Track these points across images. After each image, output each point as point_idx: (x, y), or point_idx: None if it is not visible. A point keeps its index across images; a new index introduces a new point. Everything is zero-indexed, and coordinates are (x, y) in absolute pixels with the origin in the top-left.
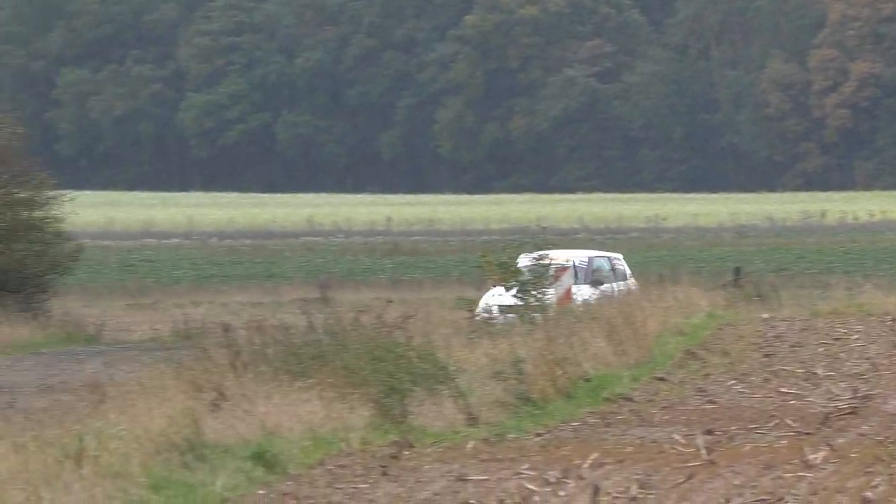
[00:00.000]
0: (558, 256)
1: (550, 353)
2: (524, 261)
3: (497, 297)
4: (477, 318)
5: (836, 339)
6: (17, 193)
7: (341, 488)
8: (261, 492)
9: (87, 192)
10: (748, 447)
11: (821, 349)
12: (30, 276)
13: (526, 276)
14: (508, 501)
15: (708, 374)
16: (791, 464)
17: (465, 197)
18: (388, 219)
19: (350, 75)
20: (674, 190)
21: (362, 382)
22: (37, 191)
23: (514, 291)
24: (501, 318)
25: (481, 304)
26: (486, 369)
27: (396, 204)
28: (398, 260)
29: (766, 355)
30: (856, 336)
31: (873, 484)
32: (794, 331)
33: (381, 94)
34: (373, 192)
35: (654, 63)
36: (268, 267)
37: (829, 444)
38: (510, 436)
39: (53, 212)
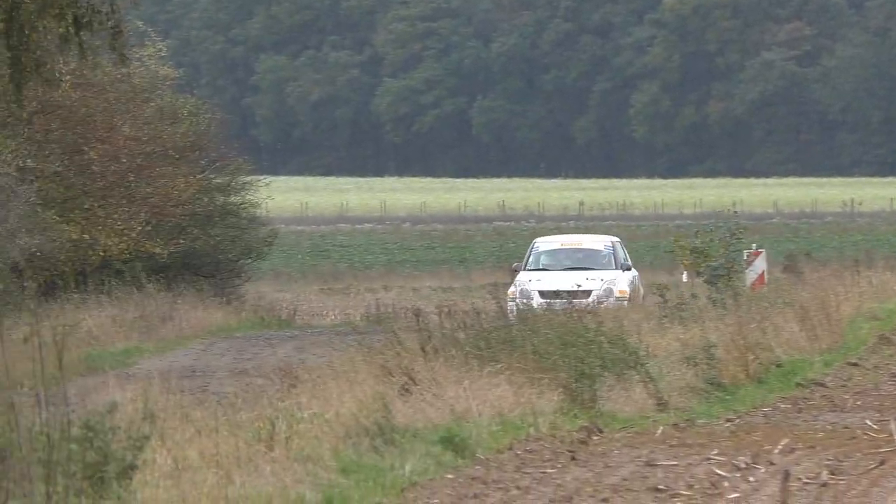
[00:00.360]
0: (576, 242)
1: (742, 337)
2: (543, 245)
3: (536, 283)
4: (512, 303)
5: None
6: (214, 179)
7: (529, 473)
8: (449, 476)
9: (283, 178)
10: None
11: None
12: (225, 261)
13: (719, 262)
14: (697, 487)
15: None
16: None
17: (658, 181)
18: (581, 203)
19: (545, 60)
20: (871, 174)
21: (552, 367)
22: (233, 176)
23: (557, 276)
24: (543, 303)
25: (517, 288)
26: (676, 354)
27: (589, 188)
28: None
29: None
30: None
31: None
32: None
33: (576, 78)
34: (566, 176)
35: (853, 46)
36: (459, 252)
37: None
38: (700, 421)
39: (249, 197)
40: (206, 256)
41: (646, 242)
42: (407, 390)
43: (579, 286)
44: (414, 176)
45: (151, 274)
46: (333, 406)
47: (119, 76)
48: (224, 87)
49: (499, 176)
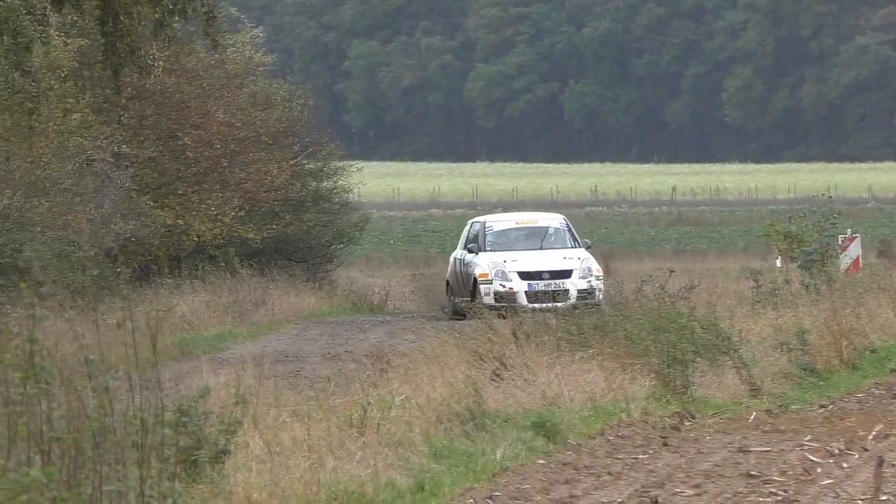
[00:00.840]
0: (531, 219)
1: (836, 323)
2: (496, 224)
3: (513, 263)
4: (486, 286)
5: None
6: (306, 164)
7: (621, 458)
8: (540, 461)
9: (375, 163)
10: None
11: None
12: (317, 246)
13: (813, 247)
14: (790, 473)
15: None
16: None
17: (751, 166)
18: (673, 188)
19: (638, 44)
20: None
21: (644, 353)
22: (326, 162)
23: (532, 255)
24: (524, 285)
25: (490, 267)
26: (769, 340)
27: (682, 173)
28: (682, 230)
29: None
30: None
31: None
32: None
33: (668, 62)
34: (658, 161)
35: None
36: None
37: None
38: (793, 407)
39: (341, 182)
40: (298, 242)
41: (739, 227)
42: (498, 375)
43: (565, 260)
44: (506, 161)
45: (244, 259)
46: (425, 391)
47: (213, 62)
48: (317, 72)
49: (590, 161)
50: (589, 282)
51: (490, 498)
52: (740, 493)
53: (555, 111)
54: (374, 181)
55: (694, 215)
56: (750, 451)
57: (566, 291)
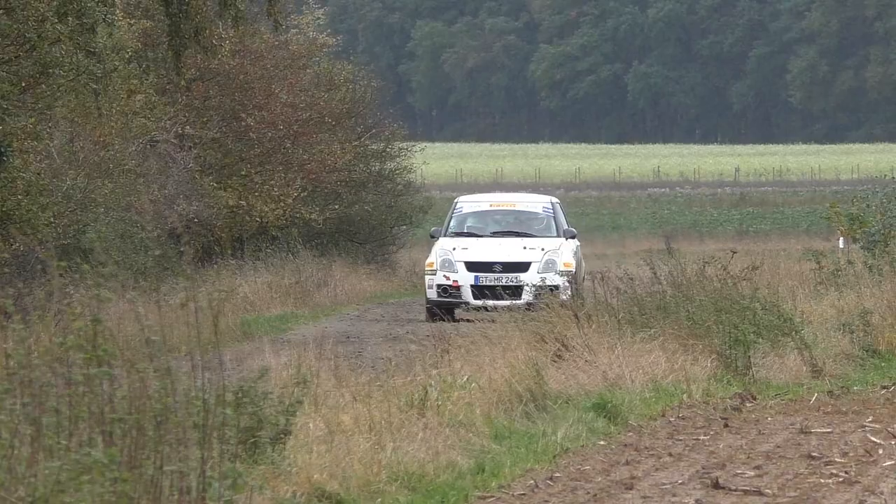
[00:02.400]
0: (508, 201)
1: None
2: (467, 205)
3: (462, 252)
4: (431, 277)
5: None
6: (369, 145)
7: (682, 440)
8: (601, 442)
9: (438, 144)
10: None
11: None
12: (379, 228)
13: (876, 228)
14: (852, 454)
15: None
16: None
17: (815, 147)
18: (737, 169)
19: (702, 25)
20: None
21: (705, 334)
22: (388, 143)
23: (487, 244)
24: (470, 278)
25: (437, 258)
26: (831, 321)
27: (745, 154)
28: (745, 211)
29: None
30: None
31: None
32: None
33: (732, 43)
34: (721, 142)
35: None
36: (613, 218)
37: None
38: (855, 388)
39: (404, 163)
40: (360, 223)
41: (802, 208)
42: (559, 357)
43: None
44: (569, 142)
45: (306, 240)
46: (486, 372)
47: (277, 43)
48: (381, 53)
49: (654, 142)
50: (546, 278)
51: (550, 479)
52: (801, 474)
53: (618, 92)
54: (437, 162)
55: (757, 196)
56: (811, 433)
57: (519, 288)
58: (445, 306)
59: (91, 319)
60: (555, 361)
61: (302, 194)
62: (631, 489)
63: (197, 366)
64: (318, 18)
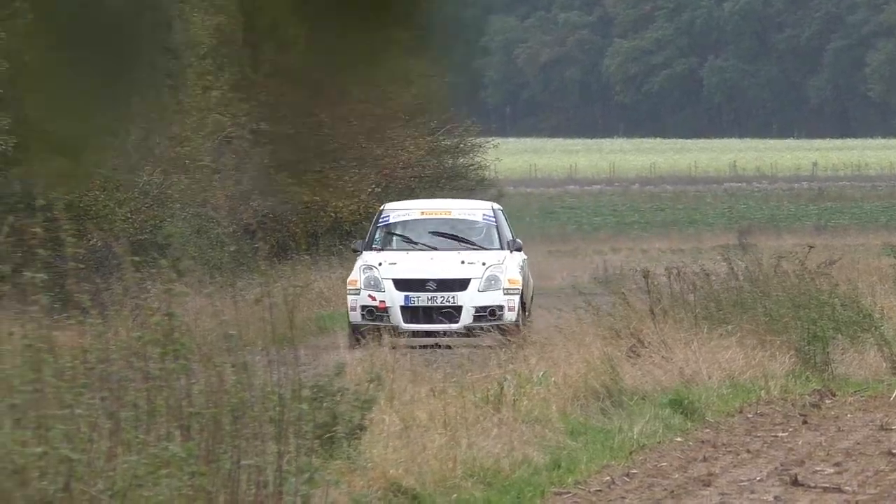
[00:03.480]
0: (442, 208)
1: None
2: (395, 213)
3: (389, 268)
4: (354, 297)
5: None
6: (443, 141)
7: (760, 436)
8: (678, 439)
9: (511, 139)
10: None
11: None
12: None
13: None
14: None
15: None
16: None
17: (894, 141)
18: (814, 164)
19: (779, 18)
20: None
21: (783, 330)
22: (462, 138)
23: (418, 258)
24: (400, 298)
25: (360, 275)
26: None
27: (823, 149)
28: (823, 206)
29: None
30: None
31: None
32: None
33: (809, 37)
34: (798, 136)
35: None
36: (689, 213)
37: None
38: None
39: (477, 159)
40: None
41: (881, 203)
42: (635, 353)
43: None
44: (643, 137)
45: None
46: (561, 368)
47: None
48: (453, 48)
49: (730, 136)
50: (494, 296)
51: (627, 475)
52: (881, 471)
53: (694, 86)
54: (510, 158)
55: (835, 191)
56: (891, 430)
57: (457, 309)
58: (372, 331)
59: (167, 314)
60: (630, 357)
61: (376, 190)
62: (708, 486)
63: (273, 361)
64: None
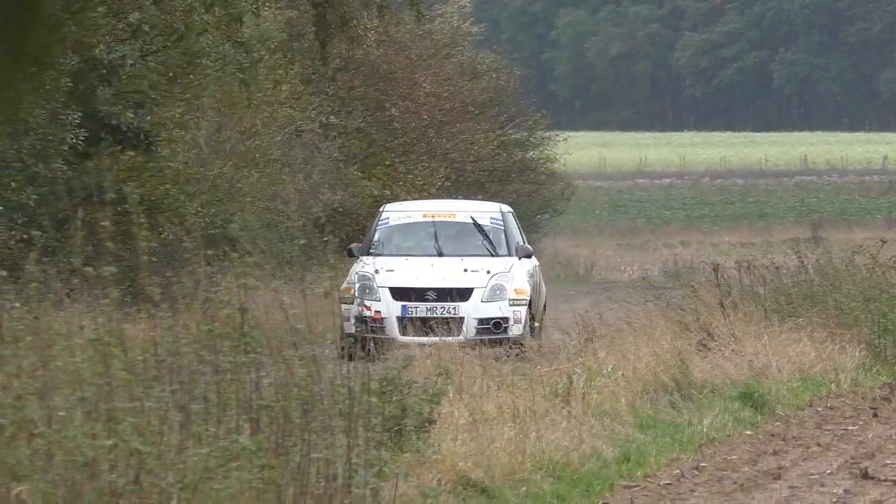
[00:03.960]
0: (446, 211)
1: None
2: (395, 215)
3: (386, 275)
4: (348, 304)
5: None
6: (512, 134)
7: (830, 430)
8: (748, 432)
9: (581, 133)
10: None
11: None
12: (522, 217)
13: None
14: None
15: None
16: None
17: None
18: (885, 157)
19: (849, 12)
20: None
21: (854, 323)
22: (531, 131)
23: (417, 265)
24: (397, 308)
25: (355, 284)
26: None
27: (893, 142)
28: (894, 199)
29: None
30: None
31: None
32: None
33: (881, 30)
34: (869, 130)
35: None
36: (759, 207)
37: None
38: None
39: (547, 152)
40: None
41: None
42: (705, 346)
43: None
44: (713, 130)
45: None
46: (630, 361)
47: (421, 33)
48: (524, 42)
49: (800, 130)
50: (499, 308)
51: (696, 468)
52: None
53: (764, 79)
54: (580, 151)
55: None
56: None
57: (459, 321)
58: (352, 347)
59: (238, 308)
60: (700, 350)
61: (445, 183)
62: (778, 479)
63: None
64: (462, 7)
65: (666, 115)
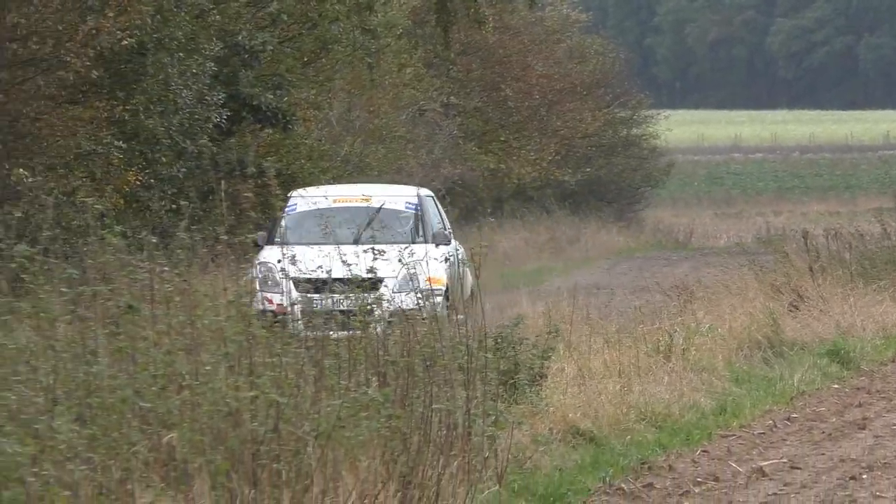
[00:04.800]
0: (357, 196)
1: None
2: (303, 202)
3: (290, 265)
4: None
5: None
6: (618, 113)
7: None
8: (835, 386)
9: (680, 112)
10: None
11: None
12: (626, 188)
13: None
14: None
15: None
16: None
17: None
18: None
19: None
20: None
21: None
22: (635, 110)
23: (323, 254)
24: (298, 298)
25: (259, 274)
26: None
27: None
28: None
29: None
30: None
31: None
32: None
33: None
34: None
35: None
36: (845, 179)
37: None
38: None
39: (649, 129)
40: (609, 184)
41: None
42: (795, 307)
43: (371, 269)
44: (803, 109)
45: (560, 200)
46: (726, 321)
47: (533, 20)
48: (628, 28)
49: (883, 108)
50: (408, 299)
51: (788, 419)
52: None
53: (850, 62)
54: (679, 128)
55: None
56: None
57: (369, 312)
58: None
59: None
60: (790, 311)
61: (556, 158)
62: (863, 429)
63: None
64: None
65: (761, 96)
